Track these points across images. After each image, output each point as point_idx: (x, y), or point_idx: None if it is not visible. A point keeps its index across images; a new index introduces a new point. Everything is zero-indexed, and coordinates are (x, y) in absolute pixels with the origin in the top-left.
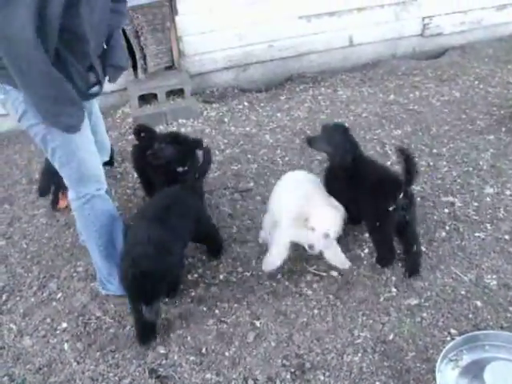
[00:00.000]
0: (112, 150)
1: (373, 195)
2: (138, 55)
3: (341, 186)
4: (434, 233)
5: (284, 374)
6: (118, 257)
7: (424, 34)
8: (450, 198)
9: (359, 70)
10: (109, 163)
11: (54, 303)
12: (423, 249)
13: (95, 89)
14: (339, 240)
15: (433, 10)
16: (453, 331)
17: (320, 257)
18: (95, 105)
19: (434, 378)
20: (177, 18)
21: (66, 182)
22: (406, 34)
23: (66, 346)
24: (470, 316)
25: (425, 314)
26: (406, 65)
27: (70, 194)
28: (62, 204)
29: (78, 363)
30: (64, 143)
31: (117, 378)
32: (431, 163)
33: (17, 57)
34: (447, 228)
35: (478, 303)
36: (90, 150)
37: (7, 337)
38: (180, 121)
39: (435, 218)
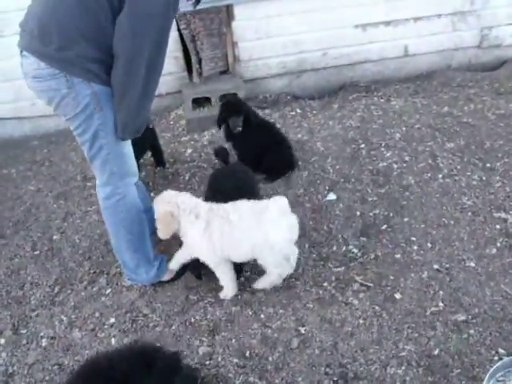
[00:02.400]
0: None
1: None
2: (193, 59)
3: None
4: (485, 249)
5: (326, 382)
6: (146, 247)
7: (482, 45)
8: (503, 214)
9: (413, 81)
10: (161, 164)
11: (103, 298)
12: (472, 264)
13: None
14: None
15: (492, 20)
16: (501, 351)
17: (368, 267)
18: None
19: None
20: (233, 24)
21: (105, 178)
22: (463, 44)
23: (113, 340)
24: None
25: (472, 331)
26: (461, 76)
27: (105, 191)
28: None
29: None
30: (113, 140)
31: None
32: (484, 178)
33: (160, 30)
34: (498, 245)
35: None
36: (129, 145)
37: (58, 328)
38: None
39: (486, 233)
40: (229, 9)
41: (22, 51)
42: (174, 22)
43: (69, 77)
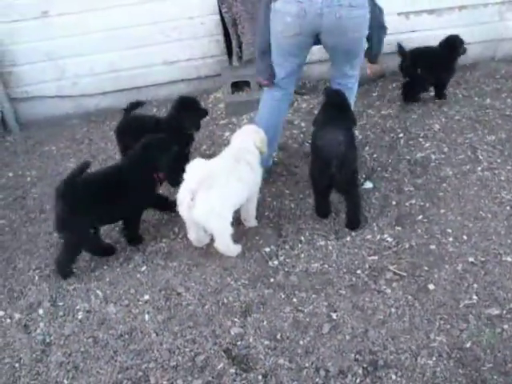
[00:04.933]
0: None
1: None
2: (234, 43)
3: None
4: None
5: (356, 368)
6: None
7: None
8: None
9: (456, 72)
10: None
11: (138, 275)
12: (509, 259)
13: None
14: None
15: None
16: None
17: (402, 257)
18: None
19: None
20: None
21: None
22: (510, 35)
23: (146, 316)
24: None
25: (506, 326)
26: (505, 68)
27: None
28: None
29: (157, 335)
30: None
31: (192, 354)
32: None
33: None
34: None
35: None
36: None
37: (94, 302)
38: None
39: None
40: None
41: None
42: (216, 6)
43: None
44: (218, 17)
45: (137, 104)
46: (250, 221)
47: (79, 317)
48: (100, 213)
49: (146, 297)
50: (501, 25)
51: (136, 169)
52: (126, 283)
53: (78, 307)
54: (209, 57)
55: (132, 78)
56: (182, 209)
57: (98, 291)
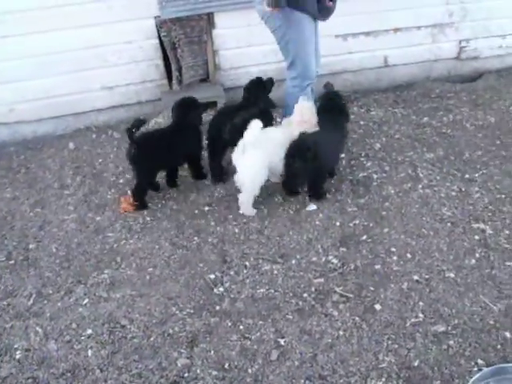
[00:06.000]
0: None
1: None
2: (173, 67)
3: None
4: (464, 260)
5: None
6: None
7: (460, 57)
8: (481, 225)
9: (393, 91)
10: None
11: (81, 309)
12: (452, 275)
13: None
14: None
15: (470, 33)
16: (480, 362)
17: (348, 278)
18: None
19: None
20: (214, 32)
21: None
22: (442, 56)
23: (90, 352)
24: (499, 347)
25: (451, 342)
26: (440, 87)
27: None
28: (124, 207)
29: (102, 371)
30: None
31: None
32: (463, 189)
33: None
34: (477, 255)
35: (507, 334)
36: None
37: (33, 339)
38: None
39: (465, 244)
40: (210, 17)
41: None
42: (155, 30)
43: None
44: (156, 41)
45: (139, 122)
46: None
47: (17, 356)
48: None
49: (89, 331)
50: (434, 46)
51: None
52: (67, 318)
53: (15, 346)
54: (148, 81)
55: (70, 103)
56: (236, 155)
57: (37, 328)
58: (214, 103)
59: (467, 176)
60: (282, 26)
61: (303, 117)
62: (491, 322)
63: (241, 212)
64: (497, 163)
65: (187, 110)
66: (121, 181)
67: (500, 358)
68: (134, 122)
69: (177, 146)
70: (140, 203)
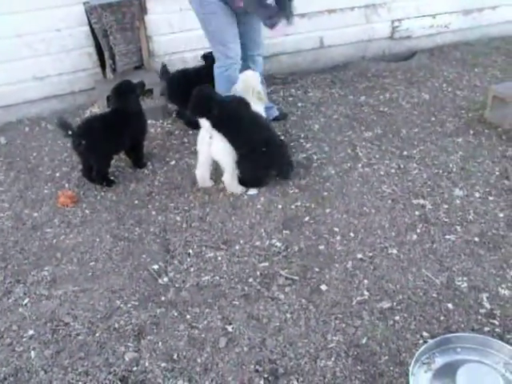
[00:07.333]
0: None
1: None
2: (106, 55)
3: None
4: (405, 236)
5: (257, 379)
6: None
7: (393, 37)
8: (421, 201)
9: (330, 72)
10: None
11: (21, 309)
12: (395, 251)
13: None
14: None
15: (402, 13)
16: (425, 334)
17: (293, 260)
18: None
19: (408, 382)
20: (146, 18)
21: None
22: (376, 36)
23: (33, 353)
24: (442, 318)
25: (397, 317)
26: (375, 67)
27: None
28: (62, 201)
29: (46, 372)
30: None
31: None
32: (402, 165)
33: None
34: (418, 231)
35: (450, 306)
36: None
37: None
38: (149, 121)
39: (406, 220)
40: (141, 2)
41: None
42: (84, 17)
43: None
44: (87, 28)
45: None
46: None
47: None
48: None
49: (31, 332)
50: (368, 27)
51: None
52: (7, 320)
53: None
54: (81, 70)
55: (0, 95)
56: (202, 146)
57: None
58: (150, 91)
59: (405, 153)
60: (197, 9)
61: (247, 83)
62: (434, 295)
63: (229, 192)
64: (433, 139)
65: (125, 95)
66: (57, 174)
67: (444, 329)
68: (60, 122)
69: (121, 131)
70: (107, 184)
